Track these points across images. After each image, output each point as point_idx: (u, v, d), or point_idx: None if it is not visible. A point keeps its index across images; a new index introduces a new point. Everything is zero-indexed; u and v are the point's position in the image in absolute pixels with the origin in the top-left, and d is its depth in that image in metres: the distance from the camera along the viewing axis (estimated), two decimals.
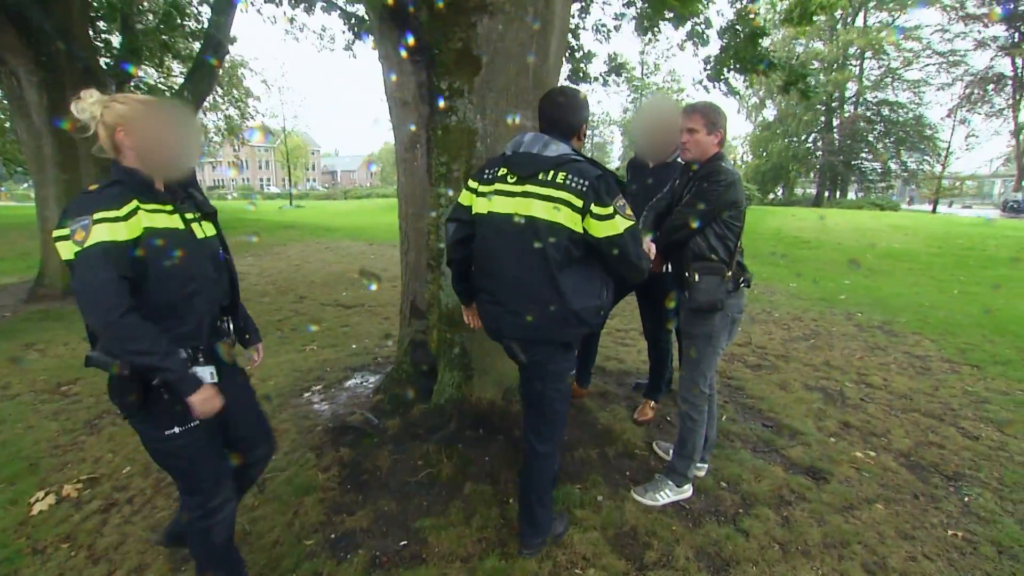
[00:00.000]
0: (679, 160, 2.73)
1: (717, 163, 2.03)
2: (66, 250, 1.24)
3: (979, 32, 31.78)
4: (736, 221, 2.04)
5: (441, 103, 2.37)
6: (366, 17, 6.59)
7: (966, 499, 2.34)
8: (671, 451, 2.56)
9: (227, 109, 15.29)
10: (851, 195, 36.34)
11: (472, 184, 1.76)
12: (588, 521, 2.10)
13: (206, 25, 6.68)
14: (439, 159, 2.45)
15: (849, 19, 33.84)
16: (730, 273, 2.03)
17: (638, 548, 1.98)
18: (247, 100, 15.33)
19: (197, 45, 8.30)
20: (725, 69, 5.76)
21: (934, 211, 25.97)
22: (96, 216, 1.23)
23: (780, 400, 3.31)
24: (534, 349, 1.72)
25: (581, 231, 1.58)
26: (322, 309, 5.80)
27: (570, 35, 7.15)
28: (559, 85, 2.55)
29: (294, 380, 3.61)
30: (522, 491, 1.91)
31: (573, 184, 1.55)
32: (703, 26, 5.97)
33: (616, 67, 7.49)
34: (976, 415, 3.19)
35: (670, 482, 2.27)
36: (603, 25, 7.16)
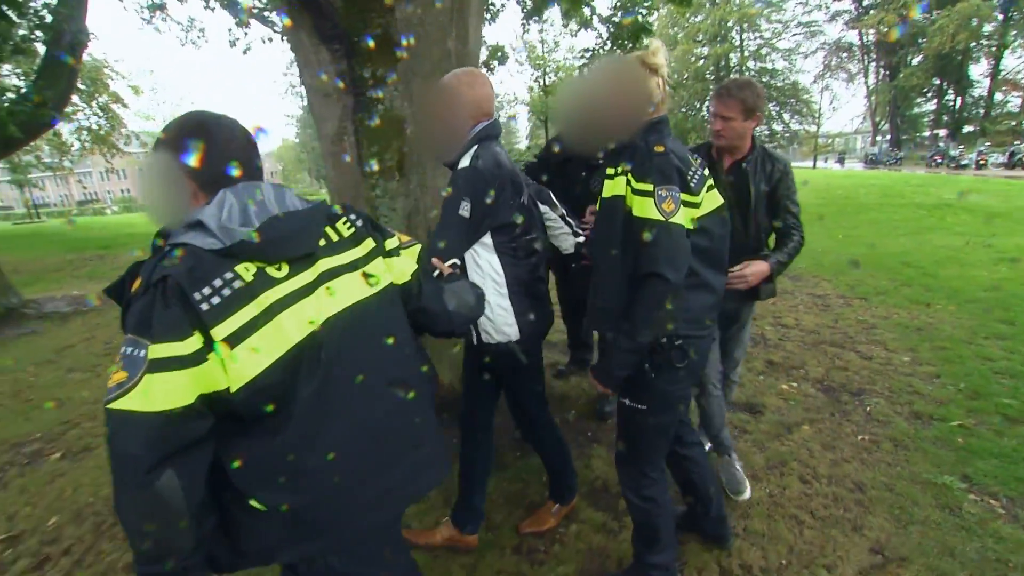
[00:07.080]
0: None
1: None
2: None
3: (829, 5, 35.73)
4: None
5: (368, 94, 2.30)
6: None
7: (868, 409, 2.75)
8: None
9: (88, 118, 13.32)
10: None
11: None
12: None
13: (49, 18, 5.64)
14: (370, 150, 2.38)
15: None
16: None
17: (611, 499, 2.13)
18: (112, 107, 13.40)
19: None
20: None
21: (814, 167, 29.05)
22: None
23: None
24: None
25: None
26: None
27: None
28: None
29: None
30: None
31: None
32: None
33: (500, 56, 7.63)
34: (868, 339, 3.71)
35: None
36: (491, 4, 7.22)
